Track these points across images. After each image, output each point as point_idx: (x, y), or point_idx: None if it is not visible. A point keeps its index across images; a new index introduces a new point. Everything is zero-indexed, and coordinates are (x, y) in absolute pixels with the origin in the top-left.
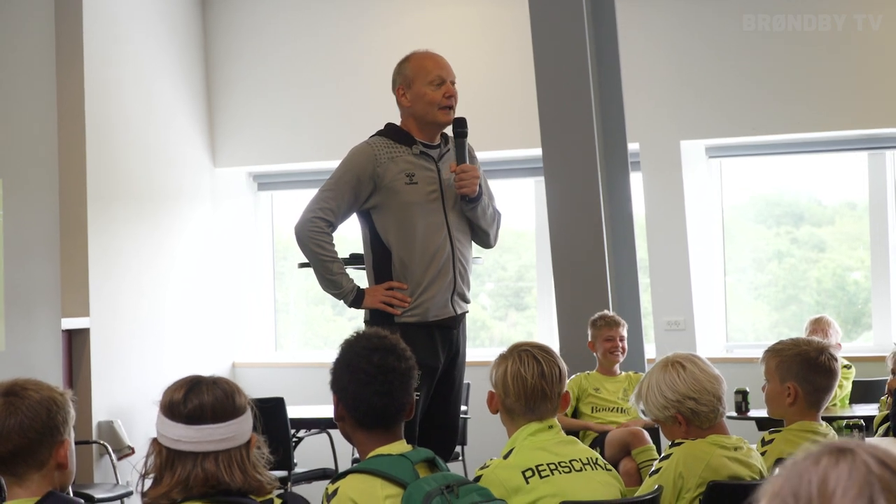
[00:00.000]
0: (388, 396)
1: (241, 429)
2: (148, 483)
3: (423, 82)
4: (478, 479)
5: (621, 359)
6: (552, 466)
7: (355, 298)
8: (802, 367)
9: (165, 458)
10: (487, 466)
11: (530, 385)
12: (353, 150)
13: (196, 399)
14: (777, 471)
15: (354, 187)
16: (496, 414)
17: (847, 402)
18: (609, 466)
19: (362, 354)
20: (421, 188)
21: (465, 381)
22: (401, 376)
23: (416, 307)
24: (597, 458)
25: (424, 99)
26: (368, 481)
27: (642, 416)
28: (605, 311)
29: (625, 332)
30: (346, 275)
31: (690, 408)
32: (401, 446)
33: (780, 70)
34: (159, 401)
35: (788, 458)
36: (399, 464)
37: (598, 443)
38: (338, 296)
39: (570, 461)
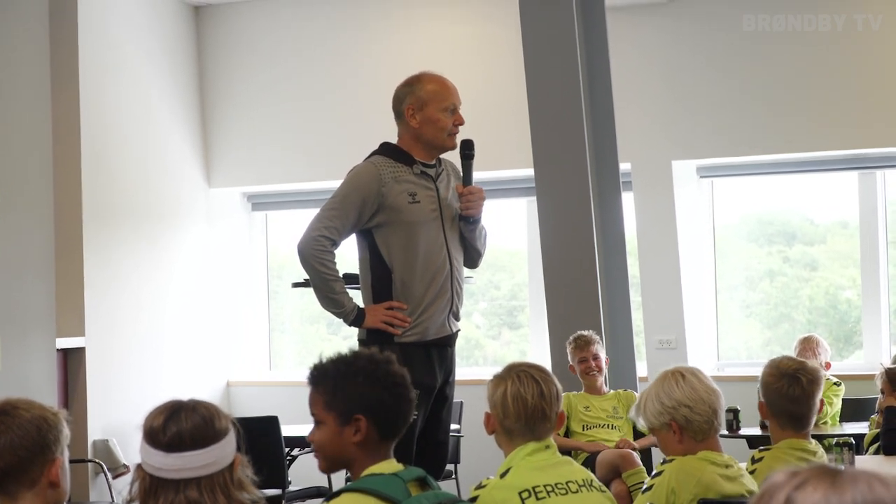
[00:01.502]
0: (411, 405)
1: (222, 452)
2: None
3: (437, 108)
4: (474, 499)
5: (599, 377)
6: (549, 488)
7: (356, 318)
8: (769, 389)
9: (149, 485)
10: (484, 486)
11: (531, 405)
12: (356, 170)
13: (174, 426)
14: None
15: (359, 207)
16: (492, 434)
17: (837, 419)
18: (604, 488)
19: (388, 369)
20: (423, 207)
21: (459, 400)
22: (408, 380)
23: (416, 326)
24: (592, 480)
25: (437, 124)
26: (363, 500)
27: (639, 422)
28: (580, 332)
29: (598, 350)
30: (348, 294)
31: (684, 415)
32: (392, 465)
33: (771, 90)
34: (141, 427)
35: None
36: (392, 482)
37: (588, 463)
38: (339, 315)
39: (566, 482)
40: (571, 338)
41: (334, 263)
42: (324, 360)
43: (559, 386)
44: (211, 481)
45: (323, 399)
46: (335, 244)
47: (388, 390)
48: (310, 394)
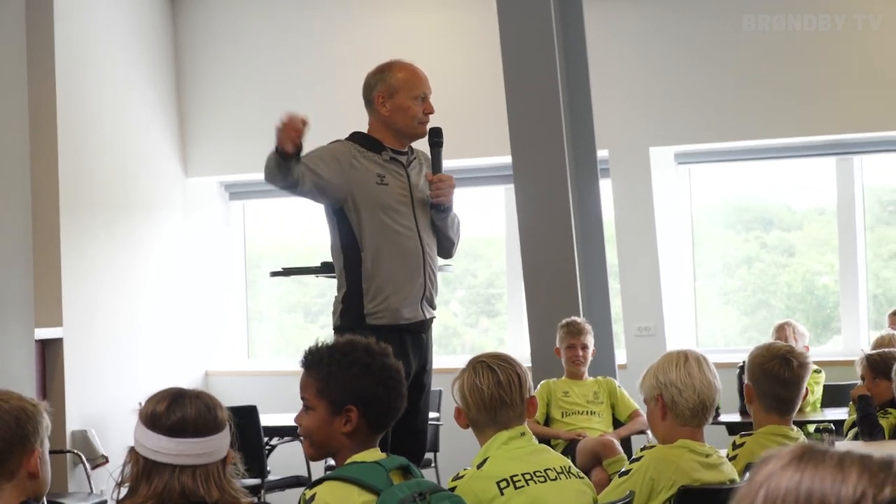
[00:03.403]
0: (403, 398)
1: (220, 444)
2: (123, 492)
3: (407, 96)
4: (452, 489)
5: (584, 367)
6: (527, 476)
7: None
8: (761, 372)
9: (142, 467)
10: (461, 477)
11: (487, 395)
12: (329, 144)
13: (179, 412)
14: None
15: (331, 163)
16: (467, 428)
17: (818, 405)
18: (582, 475)
19: (384, 362)
20: (392, 191)
21: (438, 388)
22: (402, 373)
23: (387, 308)
24: (570, 467)
25: (408, 113)
26: (345, 488)
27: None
28: (574, 318)
29: (588, 340)
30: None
31: (672, 395)
32: (375, 454)
33: (748, 76)
34: (140, 410)
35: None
36: (374, 471)
37: (568, 451)
38: (283, 169)
39: (544, 470)
40: (565, 321)
41: None
42: (320, 345)
43: (523, 373)
44: (206, 471)
45: (315, 385)
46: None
47: (383, 383)
48: (302, 377)
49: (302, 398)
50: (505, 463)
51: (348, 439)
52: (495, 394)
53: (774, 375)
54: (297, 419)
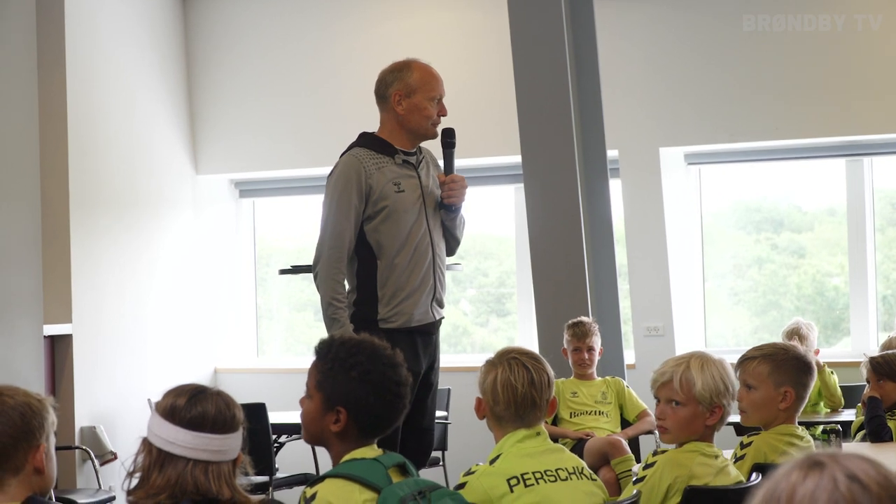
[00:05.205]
0: (401, 411)
1: (234, 444)
2: (135, 482)
3: (424, 96)
4: (462, 485)
5: (590, 369)
6: (538, 475)
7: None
8: (800, 372)
9: (156, 458)
10: (473, 472)
11: (520, 394)
12: (340, 166)
13: (200, 406)
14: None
15: (355, 200)
16: (483, 420)
17: (826, 407)
18: (594, 476)
19: (385, 372)
20: (408, 196)
21: (447, 387)
22: (407, 387)
23: (400, 313)
24: (582, 468)
25: (423, 113)
26: (347, 486)
27: (651, 384)
28: (581, 318)
29: (594, 342)
30: (346, 314)
31: (727, 407)
32: (372, 451)
33: (759, 77)
34: (157, 402)
35: (769, 462)
36: (373, 468)
37: (576, 451)
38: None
39: (556, 470)
40: (571, 322)
41: (344, 292)
42: (334, 338)
43: (551, 373)
44: (218, 469)
45: (317, 377)
46: (344, 271)
47: (378, 395)
48: (311, 362)
49: (306, 383)
50: (517, 460)
51: (337, 437)
52: (528, 393)
53: (812, 370)
54: (300, 400)
